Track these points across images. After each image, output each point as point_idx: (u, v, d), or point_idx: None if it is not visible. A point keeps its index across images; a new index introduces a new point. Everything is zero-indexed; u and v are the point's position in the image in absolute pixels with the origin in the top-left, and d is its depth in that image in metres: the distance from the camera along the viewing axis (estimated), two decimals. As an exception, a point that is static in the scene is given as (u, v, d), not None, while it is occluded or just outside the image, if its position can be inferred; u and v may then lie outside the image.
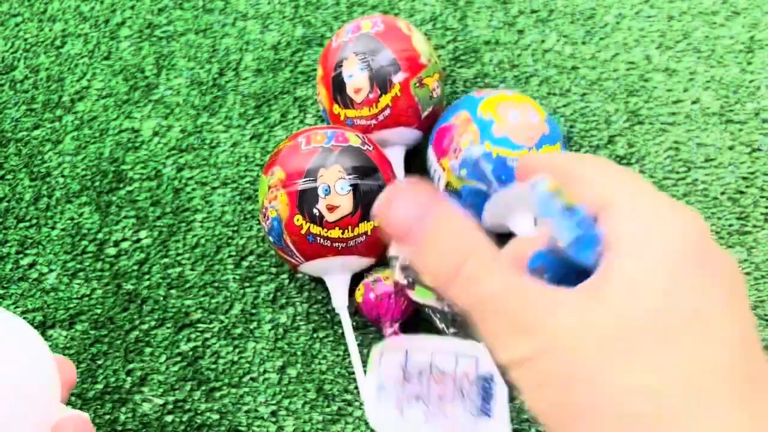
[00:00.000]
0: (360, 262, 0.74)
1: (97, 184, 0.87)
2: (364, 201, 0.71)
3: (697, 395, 0.27)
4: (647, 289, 0.29)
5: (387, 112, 0.78)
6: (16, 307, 0.80)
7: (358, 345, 0.75)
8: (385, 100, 0.77)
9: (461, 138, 0.72)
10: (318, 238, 0.70)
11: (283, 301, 0.79)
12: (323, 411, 0.73)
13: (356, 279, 0.75)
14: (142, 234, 0.83)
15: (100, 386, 0.75)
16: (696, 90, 0.88)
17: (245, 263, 0.81)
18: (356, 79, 0.78)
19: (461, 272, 0.29)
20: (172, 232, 0.83)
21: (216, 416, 0.73)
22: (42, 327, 0.79)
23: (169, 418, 0.73)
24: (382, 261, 0.76)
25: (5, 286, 0.81)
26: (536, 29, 0.94)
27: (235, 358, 0.76)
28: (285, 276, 0.80)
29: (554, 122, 0.75)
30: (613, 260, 0.30)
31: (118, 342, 0.77)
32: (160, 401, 0.74)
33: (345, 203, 0.70)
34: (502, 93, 0.76)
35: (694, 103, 0.87)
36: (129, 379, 0.75)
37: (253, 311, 0.78)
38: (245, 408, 0.73)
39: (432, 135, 0.78)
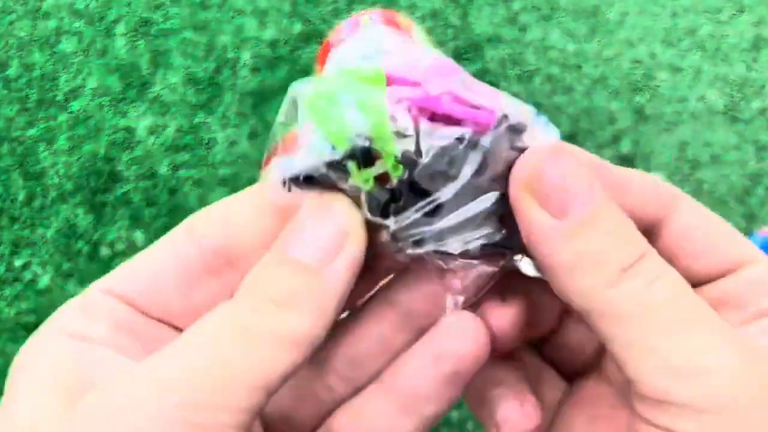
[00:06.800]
0: (359, 264, 0.73)
1: (92, 183, 0.86)
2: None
3: None
4: None
5: (387, 110, 0.77)
6: (10, 308, 0.79)
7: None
8: (385, 98, 0.76)
9: None
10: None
11: (282, 302, 0.78)
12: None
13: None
14: (137, 234, 0.83)
15: (94, 390, 0.75)
16: (701, 88, 0.87)
17: (243, 264, 0.80)
18: (356, 77, 0.77)
19: (636, 267, 0.21)
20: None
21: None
22: (36, 328, 0.78)
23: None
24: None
25: (-2, 287, 0.81)
26: (539, 26, 0.93)
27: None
28: (283, 277, 0.79)
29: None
30: None
31: (113, 345, 0.77)
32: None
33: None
34: None
35: (699, 101, 0.87)
36: (124, 382, 0.75)
37: (251, 313, 0.77)
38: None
39: None
